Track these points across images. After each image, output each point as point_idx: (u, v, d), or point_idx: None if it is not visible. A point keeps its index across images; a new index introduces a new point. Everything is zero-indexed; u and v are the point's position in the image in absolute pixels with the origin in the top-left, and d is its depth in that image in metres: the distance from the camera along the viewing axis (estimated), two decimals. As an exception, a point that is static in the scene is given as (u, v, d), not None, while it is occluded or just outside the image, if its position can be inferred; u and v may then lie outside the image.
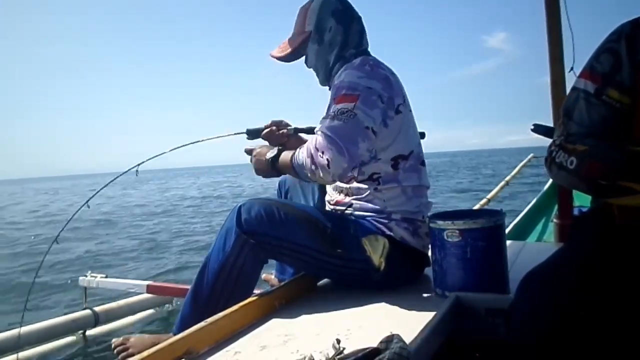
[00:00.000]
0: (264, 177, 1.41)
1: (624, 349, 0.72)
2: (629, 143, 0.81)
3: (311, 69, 1.52)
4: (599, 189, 0.82)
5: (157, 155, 1.66)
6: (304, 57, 1.51)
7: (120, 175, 1.66)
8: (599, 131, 0.86)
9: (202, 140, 1.69)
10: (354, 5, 1.48)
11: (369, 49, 1.49)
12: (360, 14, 1.48)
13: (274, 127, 1.56)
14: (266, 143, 1.55)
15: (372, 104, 1.27)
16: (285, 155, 1.32)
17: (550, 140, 0.94)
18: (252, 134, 1.57)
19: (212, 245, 1.31)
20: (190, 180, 35.43)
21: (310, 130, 1.58)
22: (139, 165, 1.61)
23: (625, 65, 0.85)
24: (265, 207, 1.29)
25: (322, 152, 1.20)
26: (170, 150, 1.68)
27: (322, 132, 1.23)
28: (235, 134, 1.61)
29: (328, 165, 1.20)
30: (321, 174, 1.22)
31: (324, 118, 1.28)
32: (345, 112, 1.24)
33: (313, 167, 1.22)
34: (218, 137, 1.68)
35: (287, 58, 1.52)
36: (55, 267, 5.19)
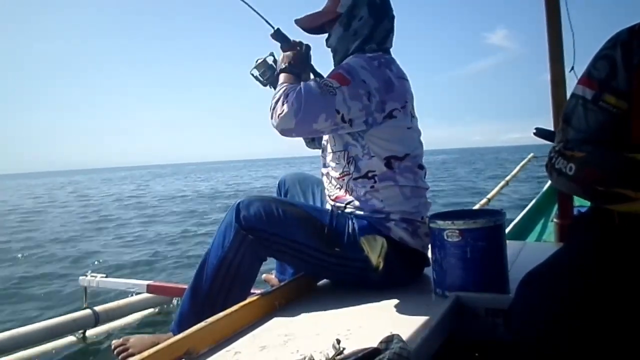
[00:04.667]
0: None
1: (624, 348, 0.72)
2: (626, 148, 0.81)
3: (329, 49, 1.49)
4: (596, 196, 0.83)
5: None
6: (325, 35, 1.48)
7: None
8: (596, 137, 0.87)
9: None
10: (392, 5, 1.45)
11: (391, 50, 1.46)
12: (394, 14, 1.44)
13: (298, 48, 1.50)
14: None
15: (355, 96, 1.27)
16: (285, 77, 1.39)
17: (551, 144, 0.95)
18: (280, 38, 1.49)
19: (211, 241, 1.31)
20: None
21: (315, 75, 1.54)
22: None
23: (620, 71, 0.86)
24: (263, 205, 1.29)
25: (284, 103, 1.25)
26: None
27: (302, 86, 1.27)
28: (269, 23, 1.49)
29: (279, 115, 1.25)
30: (271, 116, 1.28)
31: (312, 79, 1.28)
32: (328, 86, 1.26)
33: (273, 103, 1.28)
34: (255, 10, 1.48)
35: (311, 31, 1.50)
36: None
